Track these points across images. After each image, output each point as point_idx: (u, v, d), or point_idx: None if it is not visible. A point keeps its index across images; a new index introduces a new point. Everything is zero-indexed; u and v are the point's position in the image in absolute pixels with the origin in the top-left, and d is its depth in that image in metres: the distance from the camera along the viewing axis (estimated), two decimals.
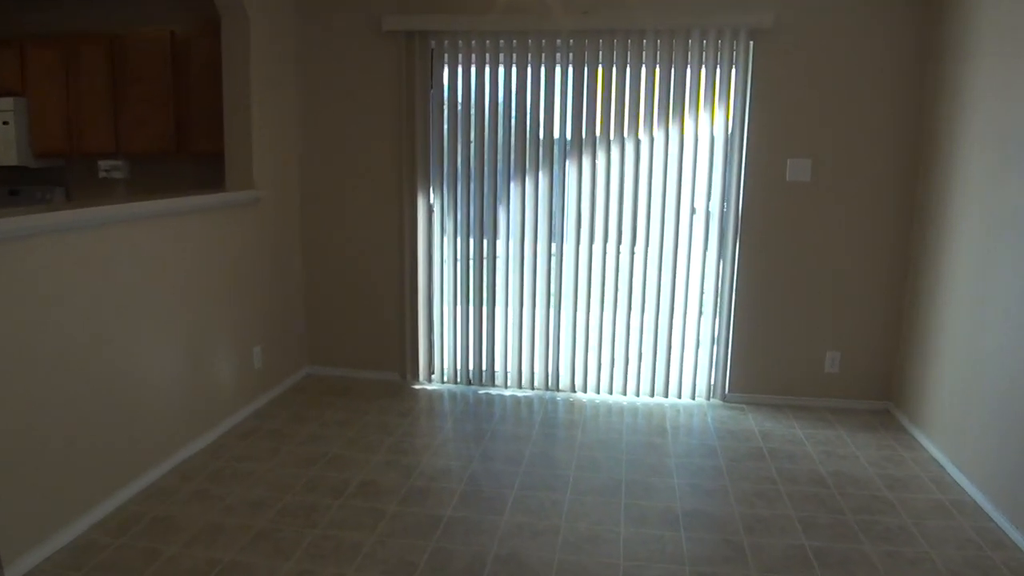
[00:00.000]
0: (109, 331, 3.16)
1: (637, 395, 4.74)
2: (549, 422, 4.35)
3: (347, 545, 2.98)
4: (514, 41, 4.48)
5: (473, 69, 4.55)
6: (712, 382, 4.70)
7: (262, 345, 4.45)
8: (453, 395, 4.77)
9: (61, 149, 4.96)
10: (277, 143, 4.57)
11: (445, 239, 4.76)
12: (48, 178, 5.34)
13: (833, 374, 4.60)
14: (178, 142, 4.80)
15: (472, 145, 4.61)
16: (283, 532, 3.06)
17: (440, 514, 3.25)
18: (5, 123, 4.90)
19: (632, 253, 4.58)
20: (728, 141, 4.43)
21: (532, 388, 4.84)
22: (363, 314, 4.95)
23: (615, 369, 4.73)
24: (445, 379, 4.93)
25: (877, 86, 4.28)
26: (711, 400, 4.72)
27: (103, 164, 5.02)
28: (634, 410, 4.55)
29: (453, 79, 4.58)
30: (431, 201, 4.72)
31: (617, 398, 4.75)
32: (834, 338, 4.56)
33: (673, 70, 4.38)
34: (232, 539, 3.00)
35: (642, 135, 4.46)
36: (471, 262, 4.75)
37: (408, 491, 3.45)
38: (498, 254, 4.73)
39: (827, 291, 4.51)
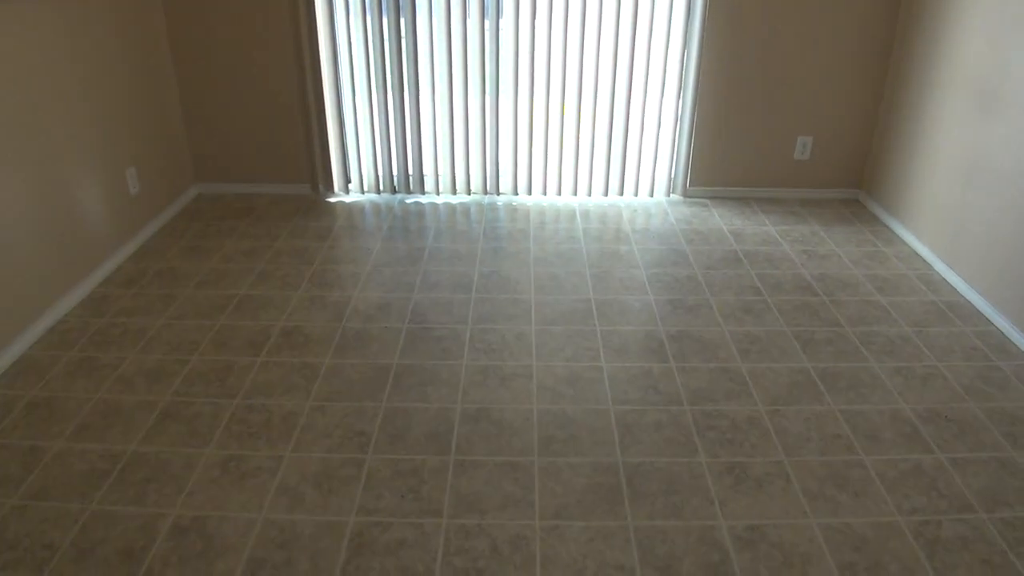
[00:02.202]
0: None
1: (589, 194, 4.17)
2: (493, 233, 3.77)
3: (278, 417, 2.42)
4: None
5: None
6: (672, 175, 4.15)
7: (136, 165, 3.57)
8: (377, 207, 4.08)
9: None
10: None
11: (351, 16, 3.82)
12: None
13: (803, 161, 4.13)
14: None
15: None
16: (195, 407, 2.46)
17: (386, 363, 2.71)
18: None
19: (583, 28, 3.79)
20: None
21: (468, 193, 4.19)
22: (258, 116, 4.05)
23: (563, 166, 4.10)
24: (365, 188, 4.20)
25: None
26: (671, 196, 4.20)
27: None
28: (586, 213, 4.01)
29: None
30: None
31: (566, 199, 4.17)
32: (806, 122, 4.03)
33: None
34: (132, 423, 2.39)
35: None
36: (386, 43, 3.86)
37: (343, 337, 2.87)
38: (419, 31, 3.85)
39: (803, 70, 3.90)
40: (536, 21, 3.78)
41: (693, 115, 3.97)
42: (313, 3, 3.75)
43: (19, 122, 2.74)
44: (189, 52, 3.92)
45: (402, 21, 3.80)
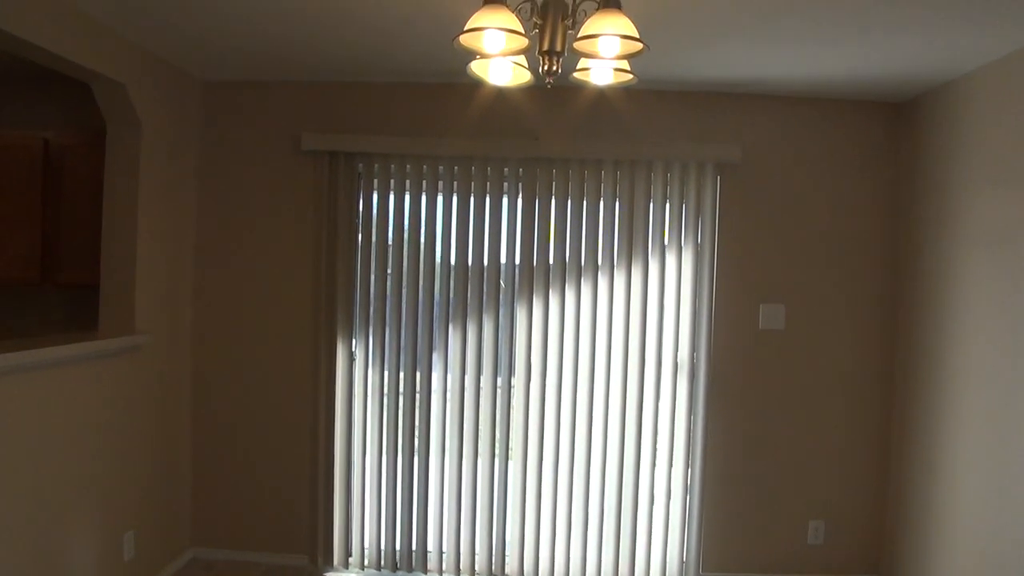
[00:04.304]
0: None
1: None
2: None
3: None
4: (456, 167, 3.94)
5: (407, 197, 3.95)
6: (684, 560, 4.02)
7: (136, 528, 3.49)
8: None
9: None
10: (167, 277, 3.78)
11: (369, 395, 3.98)
12: None
13: (817, 546, 4.03)
14: (43, 270, 3.92)
15: (404, 284, 3.95)
16: None
17: None
18: None
19: (590, 411, 3.95)
20: (696, 284, 3.96)
21: (472, 573, 4.00)
22: (264, 482, 4.04)
23: (571, 546, 3.98)
24: (365, 563, 4.02)
25: (852, 224, 3.97)
26: None
27: None
28: None
29: (384, 208, 3.97)
30: (353, 349, 3.99)
31: None
32: (817, 505, 4.02)
33: (633, 205, 3.93)
34: None
35: (601, 276, 3.94)
36: (400, 422, 3.98)
37: None
38: (433, 410, 4.00)
39: (807, 452, 4.00)
40: (545, 405, 3.94)
41: (701, 497, 3.97)
42: (334, 379, 3.95)
43: (20, 489, 2.73)
44: (207, 417, 4.06)
45: (418, 375, 3.96)
